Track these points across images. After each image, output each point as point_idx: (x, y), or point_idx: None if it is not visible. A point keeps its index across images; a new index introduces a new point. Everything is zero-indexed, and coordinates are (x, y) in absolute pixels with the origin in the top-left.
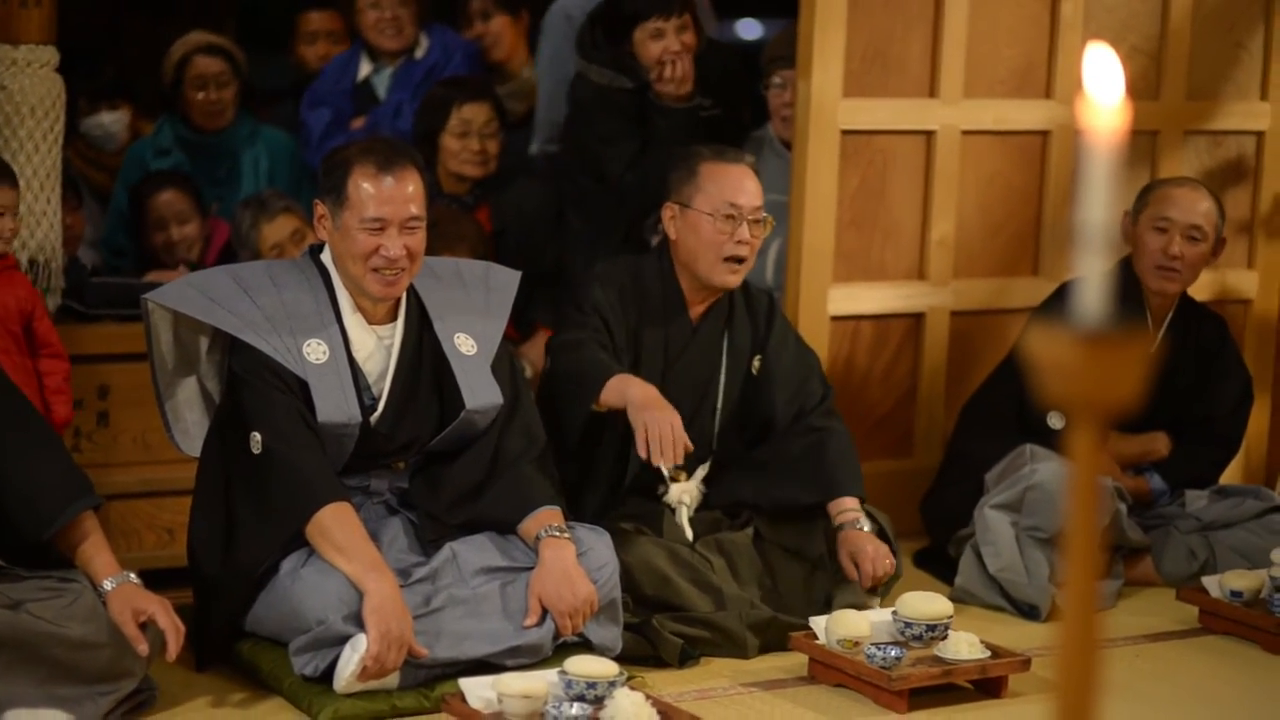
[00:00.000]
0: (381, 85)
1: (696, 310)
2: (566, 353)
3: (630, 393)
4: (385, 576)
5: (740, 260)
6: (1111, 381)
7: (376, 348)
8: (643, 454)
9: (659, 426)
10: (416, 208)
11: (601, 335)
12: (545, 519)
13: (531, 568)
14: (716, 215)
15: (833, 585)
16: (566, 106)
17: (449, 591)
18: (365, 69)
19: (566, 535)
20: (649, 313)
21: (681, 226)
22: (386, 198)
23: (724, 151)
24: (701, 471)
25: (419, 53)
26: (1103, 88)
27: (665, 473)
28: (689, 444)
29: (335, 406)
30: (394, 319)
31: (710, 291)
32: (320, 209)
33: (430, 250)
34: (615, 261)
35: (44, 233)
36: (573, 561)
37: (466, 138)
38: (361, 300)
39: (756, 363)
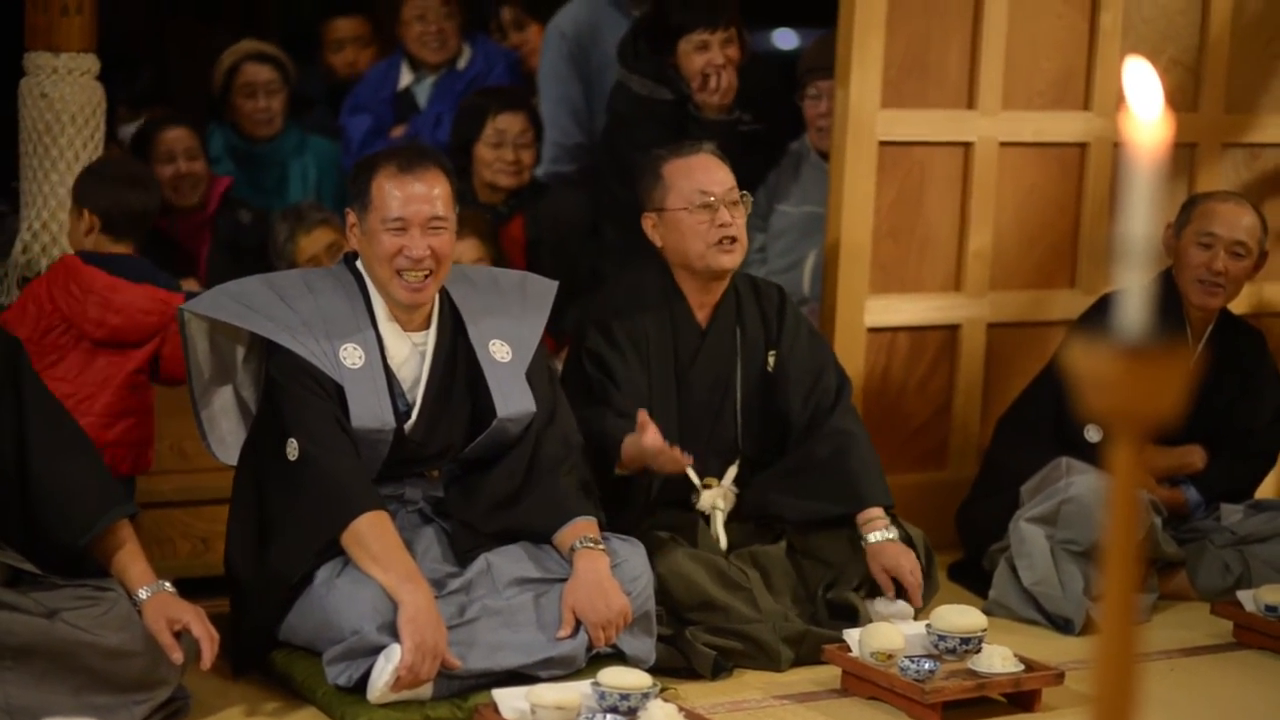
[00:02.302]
0: (422, 95)
1: (703, 312)
2: (582, 427)
3: (632, 453)
4: (420, 587)
5: (731, 239)
6: (1151, 395)
7: (411, 354)
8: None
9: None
10: (440, 208)
11: (606, 392)
12: (581, 530)
13: (566, 579)
14: (692, 207)
15: (851, 592)
16: (583, 126)
17: (483, 602)
18: (406, 78)
19: (601, 547)
20: (656, 322)
21: (664, 231)
22: (408, 198)
23: (681, 146)
24: (731, 473)
25: (461, 63)
26: (1143, 101)
27: (695, 481)
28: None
29: (370, 412)
30: (428, 325)
31: (713, 286)
32: (351, 216)
33: None
34: (610, 283)
35: None
36: (607, 573)
37: (501, 148)
38: (395, 307)
39: (771, 359)
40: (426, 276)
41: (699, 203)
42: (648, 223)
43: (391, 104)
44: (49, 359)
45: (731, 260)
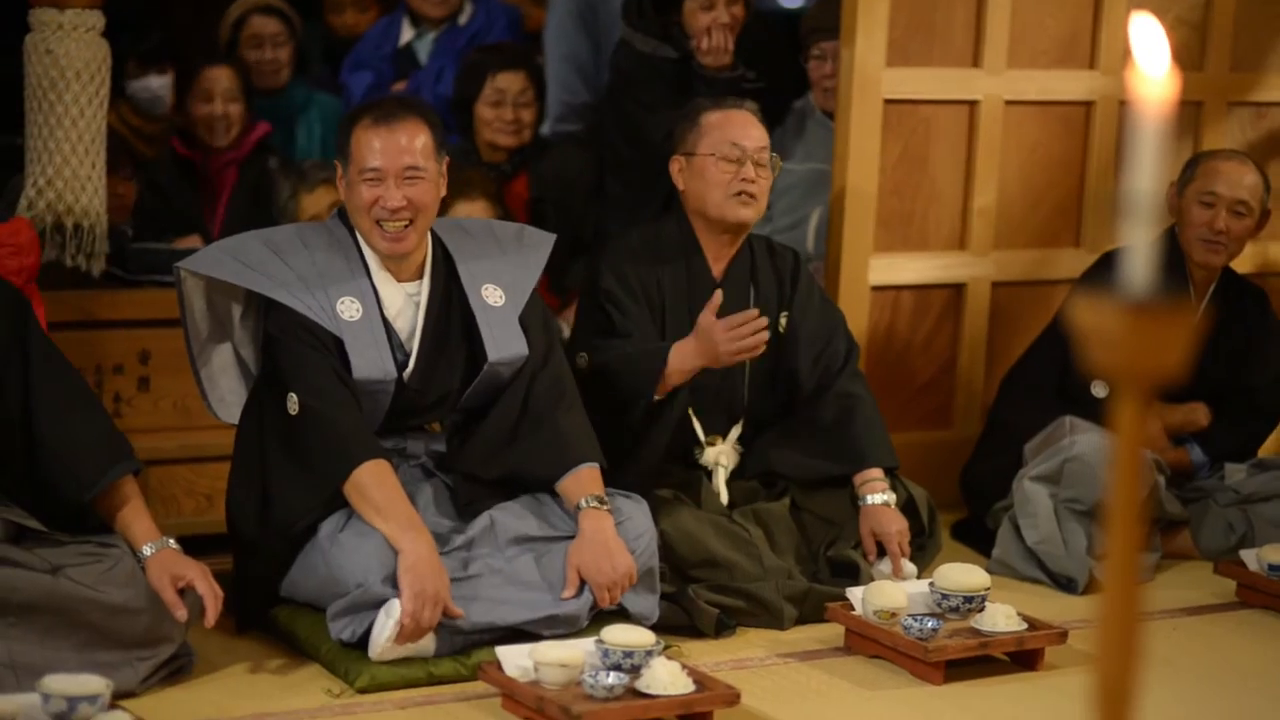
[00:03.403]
0: (424, 50)
1: (719, 265)
2: (602, 356)
3: (689, 360)
4: (421, 536)
5: (751, 196)
6: (1156, 352)
7: (405, 304)
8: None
9: (742, 338)
10: (416, 158)
11: (625, 329)
12: (586, 481)
13: (569, 536)
14: (719, 155)
15: (852, 550)
16: (590, 85)
17: (486, 560)
18: (408, 34)
19: (607, 506)
20: (671, 272)
21: (689, 175)
22: (382, 148)
23: (724, 99)
24: (735, 432)
25: (462, 19)
26: (1149, 58)
27: (700, 435)
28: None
29: (370, 363)
30: (422, 275)
31: (729, 238)
32: (339, 169)
33: (444, 201)
34: (627, 231)
35: (88, 198)
36: (612, 534)
37: (500, 107)
38: (385, 258)
39: (783, 320)
40: (406, 226)
41: (727, 154)
42: (674, 166)
43: (393, 60)
44: None
45: (747, 213)
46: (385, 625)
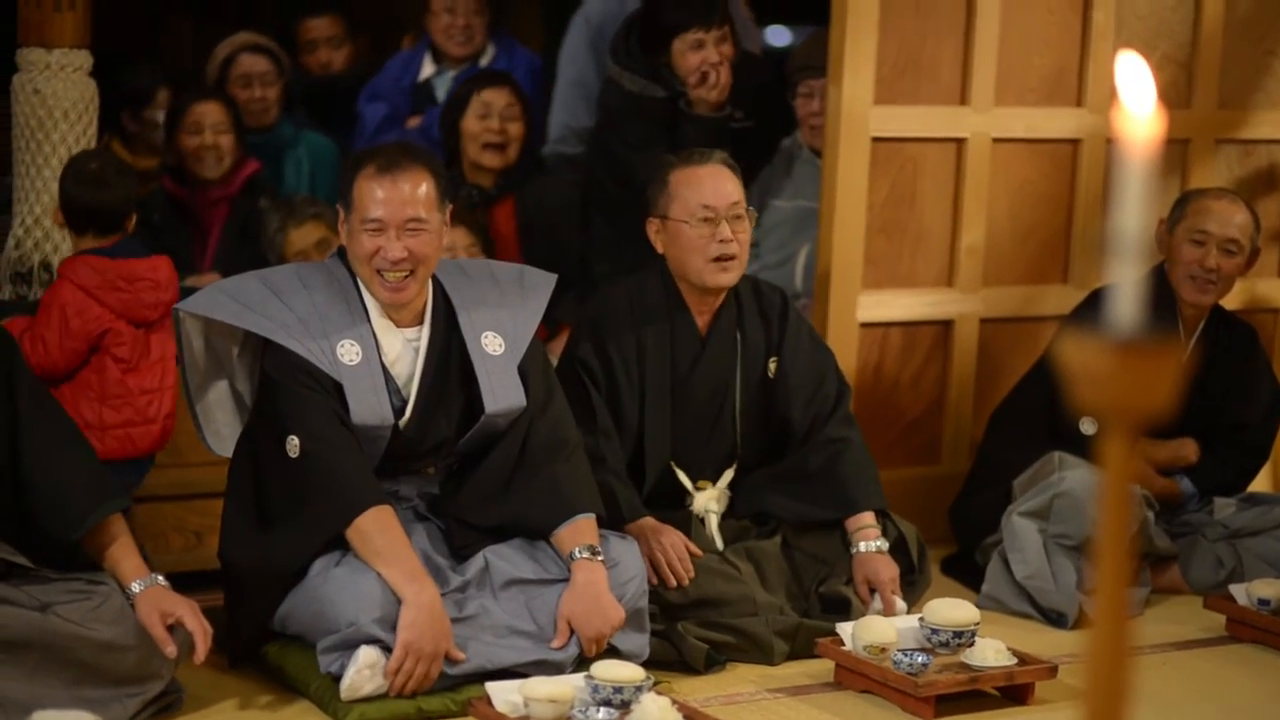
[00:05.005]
0: (442, 87)
1: (704, 319)
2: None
3: (636, 529)
4: (424, 586)
5: (729, 258)
6: (1144, 389)
7: (404, 350)
8: (655, 582)
9: (665, 553)
10: (419, 209)
11: (592, 408)
12: (582, 532)
13: (561, 579)
14: (693, 220)
15: (843, 586)
16: (594, 110)
17: (480, 602)
18: (428, 70)
19: (600, 557)
20: (655, 333)
21: (666, 239)
22: (384, 198)
23: (691, 155)
24: (727, 477)
25: (484, 60)
26: (1135, 96)
27: (688, 487)
28: (694, 555)
29: (369, 409)
30: (422, 321)
31: (713, 295)
32: (341, 213)
33: None
34: (613, 289)
35: None
36: (604, 586)
37: (487, 119)
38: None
39: (773, 365)
40: (406, 277)
41: (700, 216)
42: (651, 228)
43: (410, 94)
44: (127, 362)
45: (728, 279)
46: (349, 671)
